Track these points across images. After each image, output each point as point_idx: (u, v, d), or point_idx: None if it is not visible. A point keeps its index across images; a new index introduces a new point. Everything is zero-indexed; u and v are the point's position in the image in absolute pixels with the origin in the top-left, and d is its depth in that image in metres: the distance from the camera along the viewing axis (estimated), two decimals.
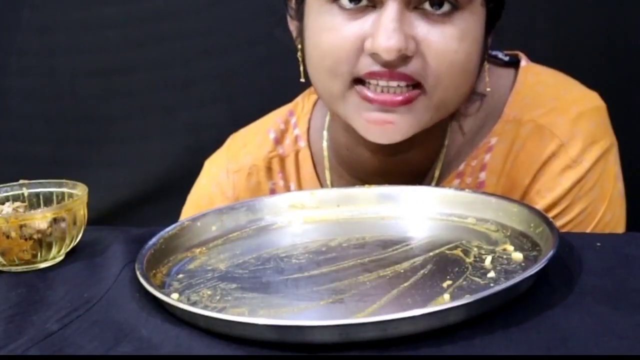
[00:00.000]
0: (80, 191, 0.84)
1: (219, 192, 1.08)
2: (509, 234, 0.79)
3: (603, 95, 0.98)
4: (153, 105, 1.48)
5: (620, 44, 1.31)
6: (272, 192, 1.06)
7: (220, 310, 0.67)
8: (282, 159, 1.07)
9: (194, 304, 0.69)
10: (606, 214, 0.95)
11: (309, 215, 0.88)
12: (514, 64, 1.01)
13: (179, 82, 1.46)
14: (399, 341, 0.59)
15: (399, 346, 0.59)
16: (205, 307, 0.68)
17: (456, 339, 0.60)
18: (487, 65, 0.93)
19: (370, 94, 0.85)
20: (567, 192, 0.94)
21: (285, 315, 0.66)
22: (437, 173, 0.99)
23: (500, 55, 1.01)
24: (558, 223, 0.93)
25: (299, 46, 0.94)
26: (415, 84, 0.85)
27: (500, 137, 0.96)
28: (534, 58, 1.03)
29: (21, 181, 0.87)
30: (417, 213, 0.86)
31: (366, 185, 0.90)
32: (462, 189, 0.87)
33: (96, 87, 1.49)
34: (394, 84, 0.84)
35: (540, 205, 0.93)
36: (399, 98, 0.84)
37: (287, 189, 1.06)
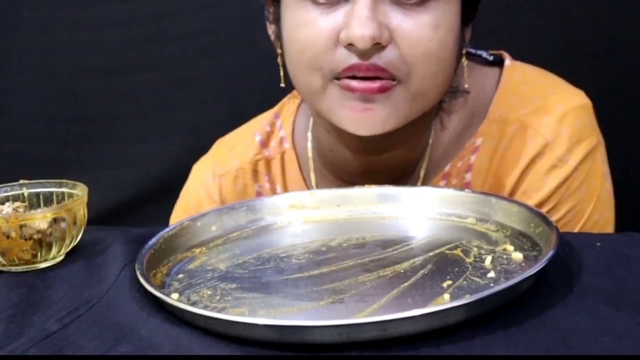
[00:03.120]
0: (80, 191, 0.84)
1: (206, 195, 1.08)
2: (509, 234, 0.79)
3: (600, 95, 0.98)
4: (153, 105, 1.48)
5: (619, 44, 1.31)
6: (259, 195, 1.06)
7: (220, 310, 0.67)
8: (268, 162, 1.07)
9: (194, 304, 0.69)
10: (594, 213, 0.95)
11: (309, 215, 0.88)
12: (499, 63, 1.01)
13: (179, 82, 1.46)
14: (399, 341, 0.59)
15: (399, 346, 0.59)
16: (205, 307, 0.68)
17: (456, 339, 0.60)
18: (465, 61, 0.93)
19: (351, 83, 0.85)
20: (554, 191, 0.93)
21: (285, 315, 0.66)
22: (422, 173, 0.99)
23: (484, 54, 1.01)
24: None
25: (279, 50, 0.95)
26: (392, 78, 0.85)
27: (485, 137, 0.96)
28: (534, 58, 1.03)
29: (21, 181, 0.87)
30: (417, 213, 0.86)
31: (366, 186, 0.90)
32: (462, 189, 0.87)
33: (96, 87, 1.49)
34: (370, 75, 0.85)
35: None
36: (377, 84, 0.85)
37: (273, 191, 1.06)
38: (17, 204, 0.84)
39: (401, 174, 0.99)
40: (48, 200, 0.86)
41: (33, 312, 0.69)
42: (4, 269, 0.80)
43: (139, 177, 1.50)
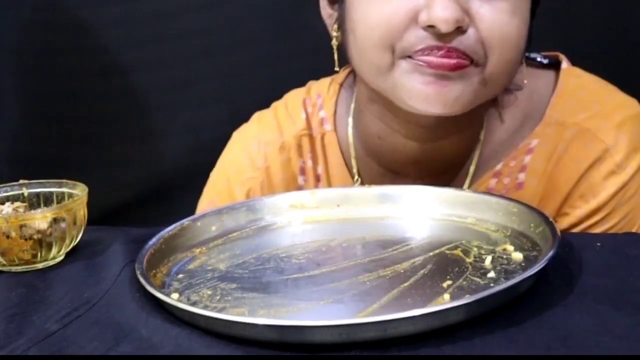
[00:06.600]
0: (80, 191, 0.84)
1: (249, 162, 1.06)
2: (509, 234, 0.79)
3: None
4: (153, 105, 1.48)
5: (619, 45, 1.31)
6: (302, 170, 1.05)
7: (220, 310, 0.67)
8: (312, 139, 1.05)
9: (194, 304, 0.69)
10: None
11: (309, 215, 0.88)
12: (553, 65, 1.01)
13: (179, 82, 1.46)
14: (399, 341, 0.59)
15: (399, 346, 0.59)
16: (205, 307, 0.68)
17: (456, 339, 0.60)
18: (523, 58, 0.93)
19: (425, 58, 0.84)
20: (611, 198, 0.93)
21: (285, 315, 0.66)
22: (472, 169, 0.98)
23: (538, 57, 1.01)
24: (600, 229, 0.93)
25: (334, 33, 0.94)
26: (470, 60, 0.84)
27: (541, 139, 0.96)
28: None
29: (21, 181, 0.87)
30: (417, 213, 0.86)
31: (366, 185, 0.90)
32: (462, 189, 0.87)
33: (96, 87, 1.48)
34: (445, 61, 0.83)
35: (583, 209, 0.93)
36: (453, 61, 0.83)
37: (315, 172, 1.04)
38: (17, 204, 0.84)
39: (450, 166, 0.98)
40: (48, 200, 0.86)
41: (33, 312, 0.69)
42: (4, 269, 0.80)
43: (139, 177, 1.50)
